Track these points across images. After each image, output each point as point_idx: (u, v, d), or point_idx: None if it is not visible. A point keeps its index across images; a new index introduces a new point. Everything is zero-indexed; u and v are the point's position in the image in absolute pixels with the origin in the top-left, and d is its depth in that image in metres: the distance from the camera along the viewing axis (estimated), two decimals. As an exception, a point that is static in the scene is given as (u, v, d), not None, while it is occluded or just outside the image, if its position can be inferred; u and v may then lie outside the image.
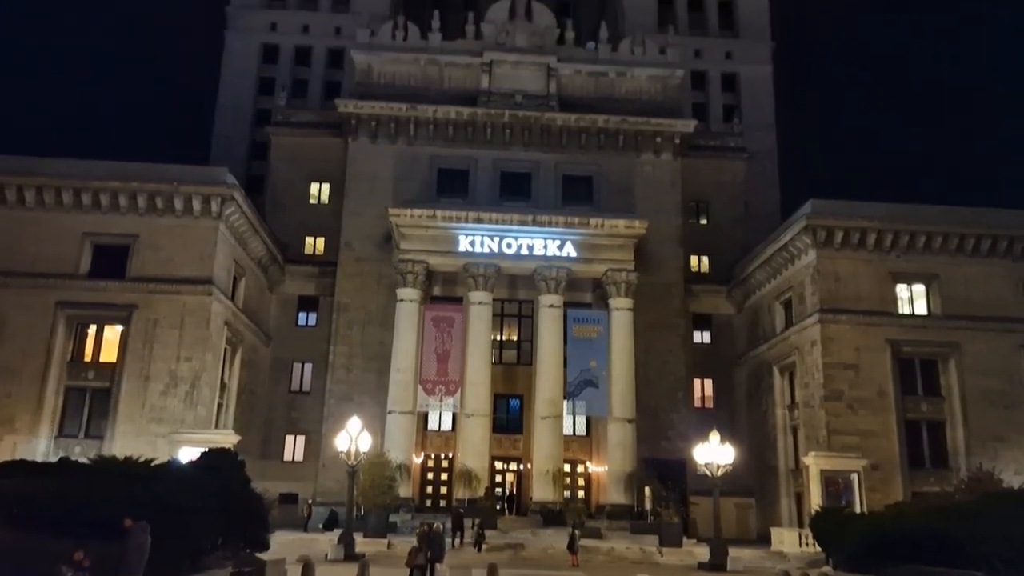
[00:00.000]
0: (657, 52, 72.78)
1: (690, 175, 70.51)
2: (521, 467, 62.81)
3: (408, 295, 60.23)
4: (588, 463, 63.35)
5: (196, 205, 53.63)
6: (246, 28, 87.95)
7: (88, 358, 52.53)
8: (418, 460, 61.03)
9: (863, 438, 52.16)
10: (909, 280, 57.02)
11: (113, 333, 52.81)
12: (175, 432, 47.18)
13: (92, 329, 52.97)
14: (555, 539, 46.12)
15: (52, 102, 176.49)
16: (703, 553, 42.27)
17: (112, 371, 51.28)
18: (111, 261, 53.13)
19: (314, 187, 70.28)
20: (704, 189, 72.23)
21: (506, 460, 63.19)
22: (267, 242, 62.71)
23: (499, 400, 62.90)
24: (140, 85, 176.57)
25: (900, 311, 56.45)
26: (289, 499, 59.14)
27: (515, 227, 61.06)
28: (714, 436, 42.50)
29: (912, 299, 57.03)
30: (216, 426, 53.83)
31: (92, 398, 51.44)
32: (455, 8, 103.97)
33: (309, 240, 69.02)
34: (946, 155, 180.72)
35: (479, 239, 60.98)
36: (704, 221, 72.35)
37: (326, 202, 69.59)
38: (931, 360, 55.66)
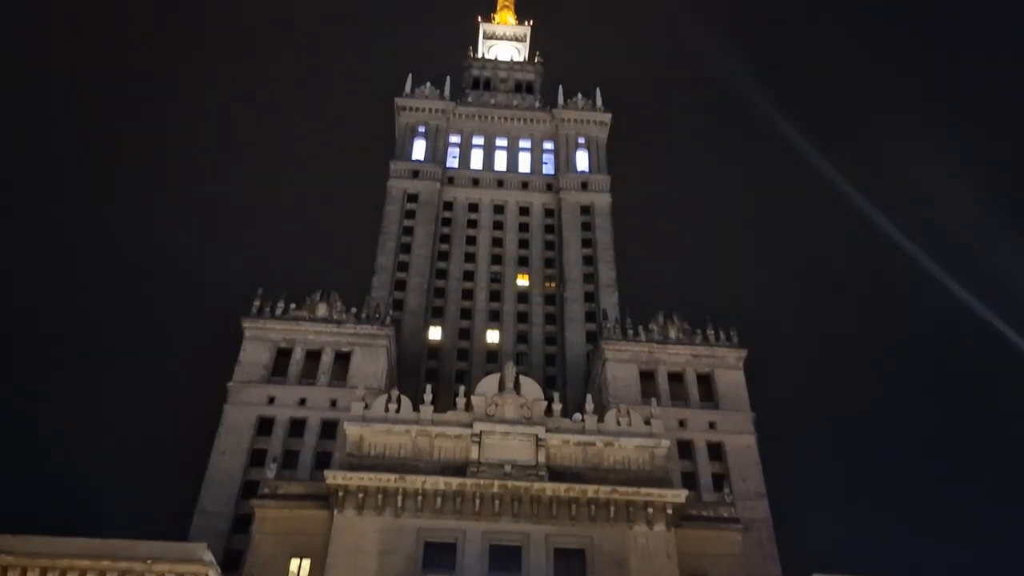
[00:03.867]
0: (642, 422, 74.91)
1: (686, 547, 68.31)
2: None
3: None
4: None
5: (166, 586, 50.66)
6: (245, 402, 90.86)
7: None
8: None
9: None
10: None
11: None
12: None
13: None
14: None
15: (32, 472, 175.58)
16: None
17: None
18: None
19: (294, 563, 67.12)
20: (701, 562, 69.37)
21: None
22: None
23: None
24: (131, 459, 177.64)
25: None
26: None
27: (505, 610, 57.29)
28: None
29: None
30: None
31: None
32: (446, 381, 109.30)
33: (282, 625, 64.12)
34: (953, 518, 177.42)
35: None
36: (707, 599, 68.26)
37: (305, 580, 65.97)
38: None
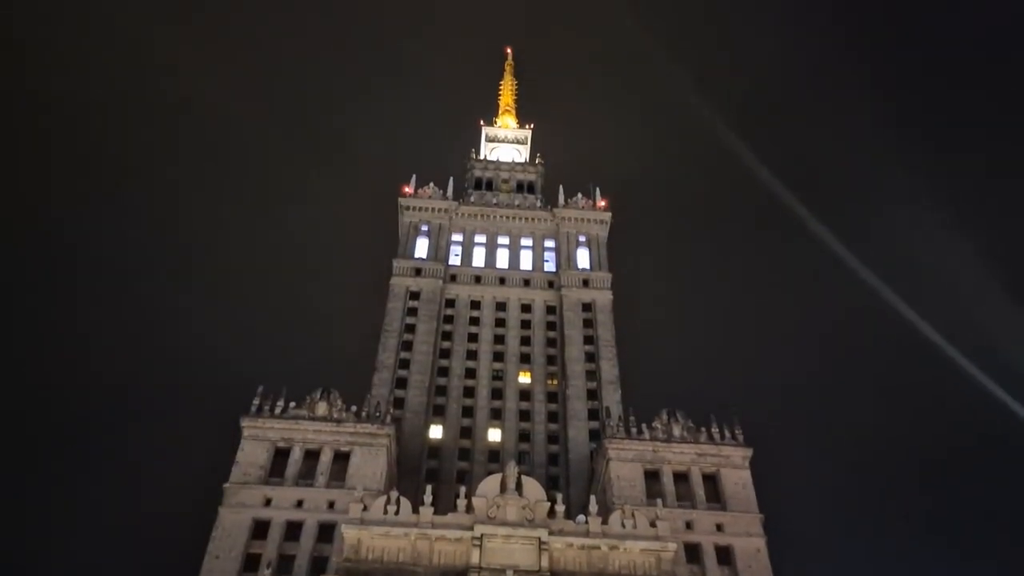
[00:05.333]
0: (647, 524, 73.04)
1: (696, 658, 65.24)
2: None
3: None
4: None
5: None
6: (240, 504, 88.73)
7: None
8: None
9: None
10: None
11: None
12: None
13: None
14: None
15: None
16: None
17: None
18: None
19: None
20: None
21: None
22: None
23: None
24: (121, 563, 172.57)
25: None
26: None
27: None
28: None
29: None
30: None
31: None
32: (447, 481, 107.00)
33: None
34: None
35: None
36: None
37: None
38: None
